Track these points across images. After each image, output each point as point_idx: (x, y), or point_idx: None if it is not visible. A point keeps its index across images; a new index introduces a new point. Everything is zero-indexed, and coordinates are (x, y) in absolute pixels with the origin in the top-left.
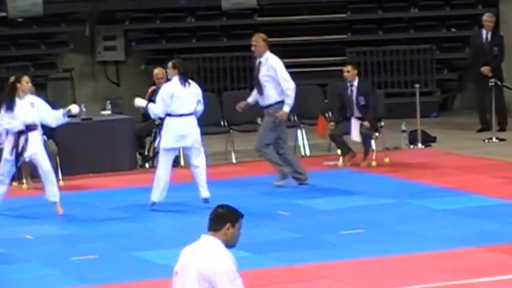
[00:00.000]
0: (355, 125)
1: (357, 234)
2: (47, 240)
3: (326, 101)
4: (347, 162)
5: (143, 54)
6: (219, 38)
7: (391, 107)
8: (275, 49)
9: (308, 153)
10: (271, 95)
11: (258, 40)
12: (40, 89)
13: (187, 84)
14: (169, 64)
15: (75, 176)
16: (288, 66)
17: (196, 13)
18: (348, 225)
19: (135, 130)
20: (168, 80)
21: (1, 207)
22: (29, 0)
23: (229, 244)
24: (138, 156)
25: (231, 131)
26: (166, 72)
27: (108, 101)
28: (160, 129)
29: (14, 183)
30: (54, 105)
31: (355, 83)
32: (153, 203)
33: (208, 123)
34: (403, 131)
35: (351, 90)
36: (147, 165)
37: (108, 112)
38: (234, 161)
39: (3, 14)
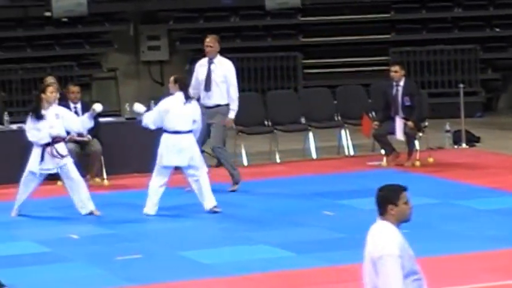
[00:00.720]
0: (399, 124)
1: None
2: (92, 240)
3: (370, 100)
4: (391, 162)
5: (187, 54)
6: (263, 37)
7: (435, 107)
8: (318, 49)
9: (352, 153)
10: (222, 96)
11: (212, 41)
12: (84, 89)
13: (188, 101)
14: (171, 78)
15: (119, 176)
16: (331, 66)
17: (240, 13)
18: None
19: None
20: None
21: (41, 207)
22: (73, 0)
23: (402, 221)
24: None
25: (275, 130)
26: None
27: (152, 101)
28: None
29: (59, 183)
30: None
31: (402, 83)
32: (148, 215)
33: (252, 123)
34: (447, 131)
35: (397, 90)
36: None
37: None
38: (278, 160)
39: (48, 13)
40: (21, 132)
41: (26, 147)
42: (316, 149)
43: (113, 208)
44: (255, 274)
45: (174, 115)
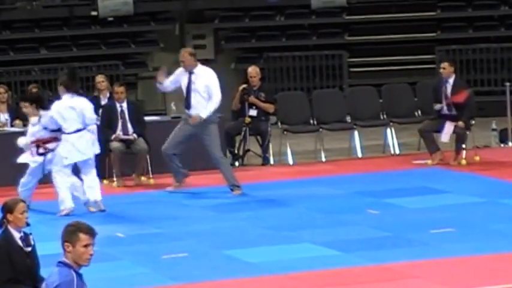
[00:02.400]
0: (448, 128)
1: (447, 233)
2: (138, 239)
3: (416, 99)
4: (436, 160)
5: (233, 53)
6: (309, 36)
7: (481, 106)
8: (363, 48)
9: (397, 151)
10: (204, 106)
11: (184, 56)
12: (130, 88)
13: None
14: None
15: (165, 175)
16: (377, 64)
17: (286, 12)
18: (437, 224)
19: (226, 129)
20: (262, 79)
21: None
22: None
23: None
24: (228, 154)
25: (321, 129)
26: (260, 70)
27: None
28: (249, 129)
29: (105, 181)
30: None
31: (451, 80)
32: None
33: (297, 122)
34: (494, 130)
35: (446, 87)
36: (236, 163)
37: None
38: (323, 159)
39: (95, 13)
40: None
41: None
42: (362, 147)
43: (158, 207)
44: (300, 273)
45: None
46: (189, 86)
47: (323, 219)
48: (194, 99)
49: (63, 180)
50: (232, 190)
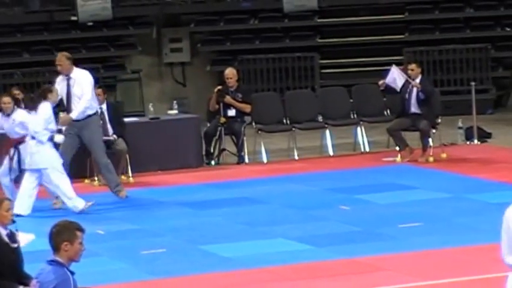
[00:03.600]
0: (395, 72)
1: (415, 227)
2: (118, 235)
3: (384, 99)
4: (405, 157)
5: (208, 56)
6: (281, 39)
7: (447, 105)
8: (334, 50)
9: (367, 149)
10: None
11: (61, 59)
12: (110, 90)
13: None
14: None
15: (144, 173)
16: (347, 65)
17: (259, 15)
18: (406, 218)
19: (205, 130)
20: (238, 80)
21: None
22: (98, 4)
23: None
24: (204, 154)
25: (293, 128)
26: (236, 72)
27: (175, 101)
28: (224, 129)
29: (86, 181)
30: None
31: (418, 80)
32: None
33: (271, 122)
34: (460, 128)
35: (412, 87)
36: (212, 162)
37: (174, 111)
38: (296, 157)
39: (74, 18)
40: None
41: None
42: (333, 146)
43: (137, 204)
44: (274, 266)
45: None
46: (68, 91)
47: (296, 215)
48: (73, 104)
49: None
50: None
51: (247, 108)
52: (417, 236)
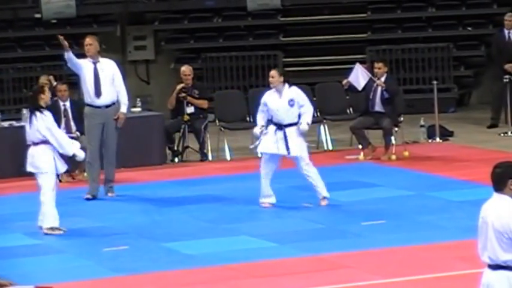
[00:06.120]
0: (358, 71)
1: (378, 225)
2: (81, 232)
3: (347, 97)
4: (368, 155)
5: (172, 54)
6: (245, 37)
7: (410, 103)
8: (298, 48)
9: (330, 147)
10: (113, 96)
11: (93, 40)
12: (74, 88)
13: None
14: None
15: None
16: (310, 64)
17: (223, 13)
18: (369, 216)
19: (165, 126)
20: (194, 77)
21: (32, 201)
22: (62, 2)
23: None
24: (167, 151)
25: None
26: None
27: (139, 99)
28: (188, 126)
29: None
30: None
31: (383, 78)
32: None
33: (234, 119)
34: (422, 126)
35: (377, 85)
36: (176, 159)
37: (138, 109)
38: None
39: (38, 15)
40: (12, 129)
41: (16, 144)
42: None
43: (100, 201)
44: (237, 264)
45: None
46: (96, 75)
47: (260, 213)
48: (103, 89)
49: None
50: None
51: (204, 104)
52: (380, 234)
